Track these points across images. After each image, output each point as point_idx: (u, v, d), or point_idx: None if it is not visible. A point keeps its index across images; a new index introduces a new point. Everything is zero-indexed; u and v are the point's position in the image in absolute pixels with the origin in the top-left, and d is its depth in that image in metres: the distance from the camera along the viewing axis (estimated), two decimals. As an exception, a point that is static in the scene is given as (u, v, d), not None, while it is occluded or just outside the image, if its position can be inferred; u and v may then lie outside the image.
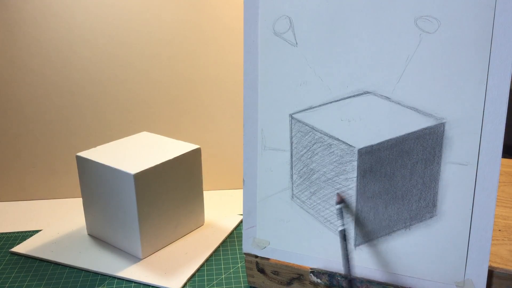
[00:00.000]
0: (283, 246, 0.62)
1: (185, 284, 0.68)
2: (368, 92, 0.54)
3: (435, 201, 0.54)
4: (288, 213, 0.61)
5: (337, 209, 0.57)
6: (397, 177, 0.55)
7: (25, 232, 0.83)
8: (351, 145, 0.56)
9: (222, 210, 0.90)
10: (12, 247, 0.78)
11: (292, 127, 0.59)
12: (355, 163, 0.56)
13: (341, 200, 0.57)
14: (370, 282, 0.57)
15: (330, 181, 0.58)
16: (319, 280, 0.60)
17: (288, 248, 0.62)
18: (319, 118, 0.57)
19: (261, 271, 0.65)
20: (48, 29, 0.88)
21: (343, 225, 0.57)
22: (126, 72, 0.92)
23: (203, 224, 0.83)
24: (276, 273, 0.64)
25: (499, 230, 0.63)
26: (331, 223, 0.59)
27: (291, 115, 0.58)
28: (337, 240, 0.59)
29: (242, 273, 0.71)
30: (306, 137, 0.58)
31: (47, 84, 0.91)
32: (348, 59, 0.54)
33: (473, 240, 0.53)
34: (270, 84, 0.59)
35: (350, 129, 0.56)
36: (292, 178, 0.60)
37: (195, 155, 0.78)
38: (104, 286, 0.68)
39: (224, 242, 0.79)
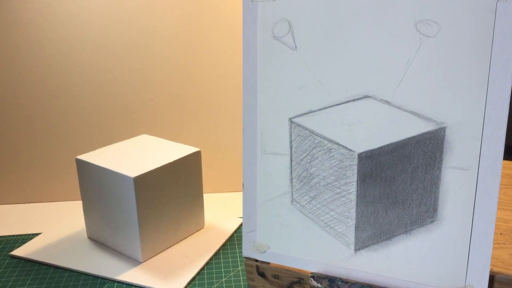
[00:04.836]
0: (283, 251, 0.62)
1: (185, 288, 0.68)
2: (368, 96, 0.54)
3: (435, 206, 0.54)
4: (288, 218, 0.61)
5: None
6: (397, 181, 0.55)
7: (25, 235, 0.83)
8: (351, 150, 0.55)
9: (222, 213, 0.90)
10: (12, 250, 0.78)
11: (292, 131, 0.58)
12: (355, 168, 0.56)
13: None
14: (370, 287, 0.57)
15: (330, 185, 0.58)
16: (319, 285, 0.60)
17: (288, 252, 0.62)
18: (318, 122, 0.57)
19: (262, 275, 0.65)
20: (48, 30, 0.88)
21: None
22: (126, 75, 0.92)
23: (203, 227, 0.83)
24: (276, 277, 0.64)
25: (501, 234, 0.62)
26: (331, 227, 0.59)
27: (290, 119, 0.58)
28: (337, 245, 0.59)
29: (242, 277, 0.70)
30: (306, 141, 0.58)
31: (47, 86, 0.91)
32: (348, 63, 0.54)
33: (474, 245, 0.52)
34: (270, 88, 0.58)
35: (350, 134, 0.55)
36: (291, 183, 0.60)
37: (195, 158, 0.78)
38: (104, 290, 0.68)
39: (224, 245, 0.79)
